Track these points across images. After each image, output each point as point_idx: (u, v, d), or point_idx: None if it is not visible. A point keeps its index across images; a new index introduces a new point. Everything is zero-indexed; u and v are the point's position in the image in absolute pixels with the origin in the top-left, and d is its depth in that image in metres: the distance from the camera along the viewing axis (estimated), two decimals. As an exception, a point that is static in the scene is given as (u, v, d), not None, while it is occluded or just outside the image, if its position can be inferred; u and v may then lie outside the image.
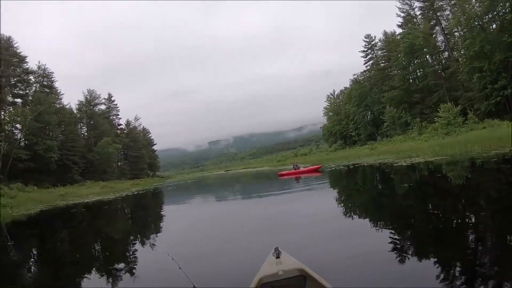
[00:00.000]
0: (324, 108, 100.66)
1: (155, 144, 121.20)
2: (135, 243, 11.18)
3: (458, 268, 5.21)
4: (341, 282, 4.65)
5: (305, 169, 36.13)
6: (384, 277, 5.12)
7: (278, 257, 4.57)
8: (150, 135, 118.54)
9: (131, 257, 9.15)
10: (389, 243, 6.70)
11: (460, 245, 6.26)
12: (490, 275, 4.78)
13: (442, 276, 4.80)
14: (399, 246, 6.64)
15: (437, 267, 5.15)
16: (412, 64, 59.20)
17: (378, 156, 39.29)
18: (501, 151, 18.72)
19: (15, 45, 56.23)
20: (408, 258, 5.80)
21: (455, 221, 8.37)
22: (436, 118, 44.23)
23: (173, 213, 18.54)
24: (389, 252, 6.21)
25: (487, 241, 6.47)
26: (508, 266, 5.02)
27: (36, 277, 8.56)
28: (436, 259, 5.55)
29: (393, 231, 7.85)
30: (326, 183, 23.72)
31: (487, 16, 40.89)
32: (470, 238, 6.76)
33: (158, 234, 12.44)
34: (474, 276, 4.78)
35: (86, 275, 7.88)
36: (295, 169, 35.86)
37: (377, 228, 8.59)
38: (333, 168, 34.86)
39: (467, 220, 8.23)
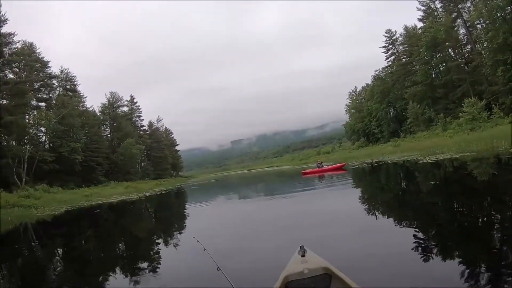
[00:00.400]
0: (346, 105, 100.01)
1: (177, 145, 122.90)
2: (158, 242, 11.30)
3: (483, 269, 5.09)
4: (366, 281, 4.57)
5: (329, 167, 35.94)
6: (409, 277, 5.08)
7: (303, 255, 4.57)
8: (172, 135, 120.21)
9: (154, 255, 9.30)
10: (414, 242, 6.62)
11: (486, 245, 6.11)
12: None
13: (467, 276, 4.72)
14: (424, 246, 6.56)
15: (463, 267, 5.06)
16: (434, 59, 58.22)
17: (402, 153, 38.85)
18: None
19: (37, 51, 57.17)
20: (433, 258, 5.71)
21: (480, 220, 8.21)
22: (460, 114, 43.33)
23: (196, 212, 18.63)
24: (414, 251, 6.14)
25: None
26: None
27: (60, 276, 8.71)
28: (461, 259, 5.48)
29: (418, 230, 7.78)
30: (350, 181, 23.51)
31: (509, 7, 39.94)
32: (496, 237, 6.60)
33: (182, 232, 12.66)
34: (500, 277, 4.67)
35: (110, 273, 8.03)
36: (318, 168, 35.73)
37: (402, 226, 8.53)
38: (357, 166, 34.55)
39: (493, 218, 8.08)
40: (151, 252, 9.69)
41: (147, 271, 7.55)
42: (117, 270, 8.28)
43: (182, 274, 6.93)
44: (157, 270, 7.54)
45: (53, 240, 14.63)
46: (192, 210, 20.88)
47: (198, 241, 5.86)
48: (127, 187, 55.85)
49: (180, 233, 12.29)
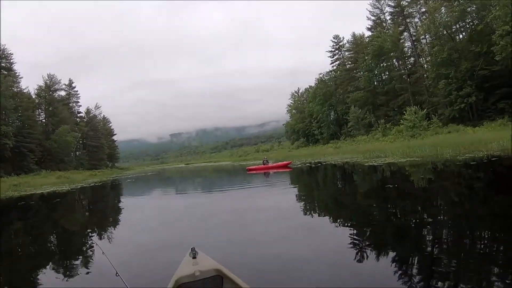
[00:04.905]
0: (288, 105, 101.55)
1: (115, 134, 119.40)
2: (82, 236, 10.80)
3: (415, 267, 5.23)
4: (262, 282, 4.76)
5: (274, 164, 36.04)
6: (334, 278, 5.05)
7: (194, 257, 4.54)
8: (110, 124, 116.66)
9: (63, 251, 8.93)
10: (348, 243, 6.59)
11: (418, 245, 6.31)
12: (446, 273, 4.86)
13: (399, 274, 4.86)
14: (356, 245, 6.56)
15: (395, 266, 5.19)
16: (378, 67, 60.53)
17: (344, 155, 39.59)
18: (475, 155, 19.08)
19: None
20: (367, 257, 5.80)
21: (416, 221, 8.37)
22: (401, 121, 45.18)
23: (126, 208, 17.66)
24: (342, 252, 6.12)
25: (444, 241, 6.54)
26: (463, 264, 5.19)
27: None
28: (394, 258, 5.59)
29: (352, 229, 7.84)
30: (295, 180, 23.59)
31: (455, 26, 42.25)
32: (428, 238, 6.77)
33: (101, 229, 11.77)
34: (431, 275, 4.86)
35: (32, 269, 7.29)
36: (264, 164, 35.71)
37: (337, 226, 8.53)
38: (299, 166, 34.72)
39: (429, 220, 8.23)
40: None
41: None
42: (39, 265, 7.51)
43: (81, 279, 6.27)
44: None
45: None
46: (124, 204, 19.78)
47: (97, 244, 5.99)
48: (60, 177, 53.08)
49: (97, 232, 11.25)
